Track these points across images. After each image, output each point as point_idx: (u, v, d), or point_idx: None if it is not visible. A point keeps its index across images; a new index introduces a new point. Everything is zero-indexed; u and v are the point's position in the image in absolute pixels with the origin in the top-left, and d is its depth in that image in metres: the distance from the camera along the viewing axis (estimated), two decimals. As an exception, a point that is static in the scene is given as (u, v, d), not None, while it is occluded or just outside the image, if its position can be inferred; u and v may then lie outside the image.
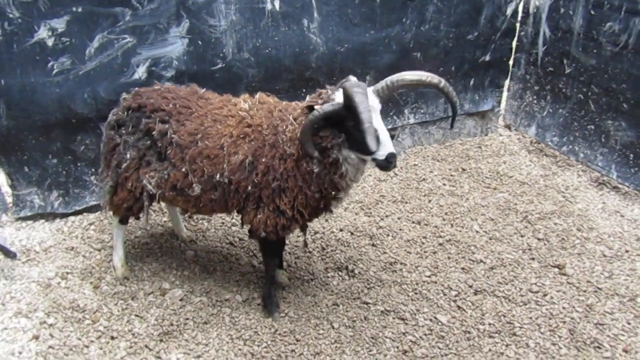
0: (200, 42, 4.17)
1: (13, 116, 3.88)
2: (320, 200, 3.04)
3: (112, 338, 3.34)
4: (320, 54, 4.67)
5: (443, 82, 2.82)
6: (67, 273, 3.84)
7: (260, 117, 3.04)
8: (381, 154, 2.72)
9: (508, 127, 6.17)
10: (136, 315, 3.50)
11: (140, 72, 4.08)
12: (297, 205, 3.01)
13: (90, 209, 4.45)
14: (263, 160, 2.96)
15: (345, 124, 2.75)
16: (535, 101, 5.67)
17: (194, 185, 3.13)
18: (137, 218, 3.61)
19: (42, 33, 3.72)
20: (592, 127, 5.07)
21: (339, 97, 2.76)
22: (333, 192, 3.00)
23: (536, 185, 5.09)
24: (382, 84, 2.80)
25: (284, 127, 2.95)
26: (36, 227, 4.31)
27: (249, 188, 3.03)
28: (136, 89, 3.45)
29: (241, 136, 3.02)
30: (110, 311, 3.53)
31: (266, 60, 4.46)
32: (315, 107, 2.77)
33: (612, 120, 4.84)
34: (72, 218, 4.42)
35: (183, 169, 3.15)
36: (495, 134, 6.07)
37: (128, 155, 3.32)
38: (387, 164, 2.73)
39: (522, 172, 5.33)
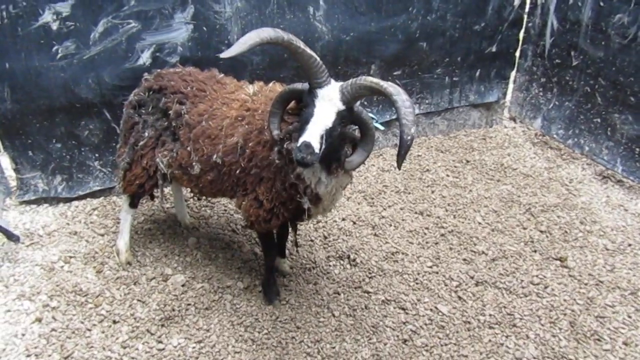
0: (205, 29, 4.15)
1: (17, 100, 3.88)
2: (288, 200, 2.97)
3: (114, 322, 3.36)
4: (326, 42, 4.64)
5: (399, 97, 2.45)
6: (70, 257, 3.86)
7: (260, 102, 3.04)
8: (299, 141, 2.53)
9: (513, 119, 6.14)
10: (138, 300, 3.52)
11: (145, 58, 4.07)
12: (273, 198, 2.97)
13: (94, 194, 4.47)
14: (250, 144, 2.95)
15: (302, 109, 2.69)
16: (541, 93, 5.63)
17: (194, 164, 3.16)
18: (152, 198, 3.79)
19: (47, 17, 3.71)
20: (598, 120, 5.03)
21: (332, 83, 2.68)
22: (297, 195, 2.92)
23: (540, 178, 5.07)
24: (348, 81, 2.61)
25: None
26: (40, 211, 4.33)
27: (237, 172, 3.03)
28: (158, 70, 3.51)
29: (239, 118, 3.03)
30: (113, 296, 3.55)
31: (270, 47, 4.44)
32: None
33: (618, 114, 4.80)
34: (75, 203, 4.43)
35: (188, 148, 3.20)
36: (500, 126, 6.04)
37: (146, 134, 3.41)
38: (297, 152, 2.51)
39: (526, 165, 5.31)
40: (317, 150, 2.52)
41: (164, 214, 4.37)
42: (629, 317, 3.48)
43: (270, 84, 3.23)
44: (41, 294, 3.53)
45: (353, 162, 2.82)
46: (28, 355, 3.10)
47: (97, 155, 4.34)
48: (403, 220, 4.44)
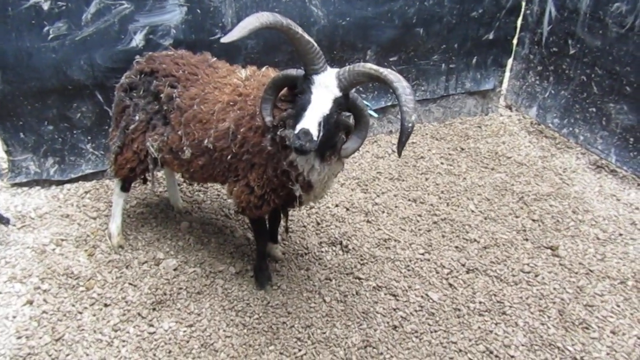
0: (199, 11, 4.10)
1: (8, 81, 3.84)
2: (280, 187, 2.97)
3: (106, 305, 3.37)
4: (322, 26, 4.59)
5: (400, 83, 2.43)
6: (62, 240, 3.85)
7: (252, 87, 3.01)
8: (297, 128, 2.51)
9: (509, 107, 6.12)
10: (130, 284, 3.53)
11: (138, 40, 4.02)
12: (264, 185, 2.96)
13: (86, 177, 4.45)
14: (242, 130, 2.93)
15: (297, 95, 2.67)
16: (537, 82, 5.61)
17: (185, 148, 3.15)
18: (144, 182, 3.77)
19: (38, -4, 3.65)
20: (594, 109, 5.03)
21: (329, 70, 2.65)
22: (289, 182, 2.91)
23: (534, 167, 5.07)
24: (345, 67, 2.58)
25: None
26: (32, 193, 4.31)
27: (229, 158, 3.01)
28: (150, 53, 3.47)
29: (231, 103, 3.00)
30: (104, 279, 3.55)
31: (265, 31, 4.36)
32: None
33: (614, 104, 4.79)
34: (67, 185, 4.41)
35: (179, 132, 3.18)
36: (495, 114, 6.02)
37: (137, 118, 3.38)
38: (295, 139, 2.49)
39: (521, 153, 5.31)
40: (315, 138, 2.51)
41: (157, 197, 4.36)
42: (618, 306, 3.51)
43: (263, 69, 3.20)
44: (32, 276, 3.53)
45: (347, 149, 2.81)
46: (19, 337, 3.11)
47: (89, 138, 4.31)
48: (396, 207, 4.44)
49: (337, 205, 4.41)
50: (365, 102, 2.78)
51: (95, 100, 4.15)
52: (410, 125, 2.44)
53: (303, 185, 2.94)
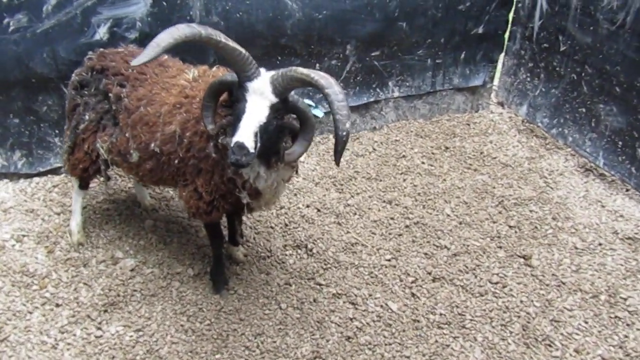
0: (165, 3, 3.97)
1: (-31, 73, 3.78)
2: (229, 193, 2.87)
3: (57, 305, 3.32)
4: (297, 20, 4.43)
5: (332, 89, 2.33)
6: (23, 236, 3.81)
7: (199, 89, 2.88)
8: (232, 141, 2.41)
9: (501, 104, 5.90)
10: (84, 284, 3.47)
11: (102, 33, 3.91)
12: (212, 191, 2.86)
13: (55, 171, 4.38)
14: (187, 134, 2.83)
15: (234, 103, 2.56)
16: (528, 79, 5.38)
17: (132, 151, 3.05)
18: (107, 179, 3.57)
19: (-4, -12, 3.56)
20: (583, 109, 4.80)
21: (263, 75, 2.52)
22: (236, 189, 2.81)
23: (519, 169, 4.88)
24: (279, 72, 2.46)
25: None
26: (-1, 186, 4.27)
27: (176, 162, 2.91)
28: (101, 49, 3.35)
29: (177, 106, 2.89)
30: (60, 278, 3.50)
31: (237, 25, 4.25)
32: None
33: (603, 104, 4.57)
34: (36, 179, 4.36)
35: (127, 134, 3.08)
36: (486, 111, 5.81)
37: (87, 117, 3.28)
38: (230, 154, 2.40)
39: (508, 154, 5.11)
40: (252, 150, 2.41)
41: (124, 193, 4.29)
42: (586, 322, 3.35)
43: (214, 68, 3.07)
44: (-13, 273, 3.50)
45: (294, 153, 2.70)
46: (-36, 338, 3.08)
47: (57, 131, 4.23)
48: (369, 209, 4.31)
49: (308, 206, 4.29)
50: (308, 101, 2.66)
51: (61, 94, 4.06)
52: (344, 134, 2.34)
53: (251, 193, 2.85)
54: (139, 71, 3.11)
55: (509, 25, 5.41)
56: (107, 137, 3.19)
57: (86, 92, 3.26)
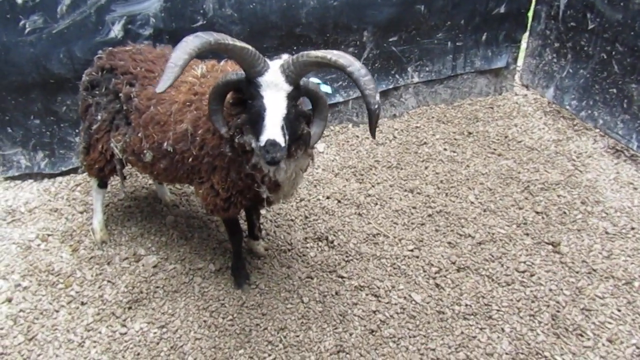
0: (177, -2, 3.95)
1: (-11, 77, 3.82)
2: (247, 189, 2.83)
3: (82, 304, 3.36)
4: (311, 8, 4.35)
5: (354, 67, 2.31)
6: (48, 235, 3.86)
7: (208, 85, 2.84)
8: (261, 140, 2.38)
9: (526, 86, 5.72)
10: (108, 281, 3.50)
11: (117, 31, 3.91)
12: (229, 187, 2.82)
13: (77, 170, 4.43)
14: (199, 132, 2.79)
15: (247, 101, 2.52)
16: (555, 60, 5.18)
17: (146, 151, 3.04)
18: (123, 177, 3.59)
19: (10, -10, 3.58)
20: (614, 90, 4.60)
21: (272, 66, 2.47)
22: (255, 185, 2.78)
23: (545, 152, 4.72)
24: (288, 59, 2.42)
25: None
26: (24, 187, 4.34)
27: (190, 160, 2.88)
28: (110, 48, 3.34)
29: (187, 103, 2.85)
30: (84, 276, 3.54)
31: (251, 16, 4.19)
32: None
33: (636, 84, 4.37)
34: (59, 178, 4.42)
35: (139, 134, 3.06)
36: (510, 94, 5.64)
37: (99, 117, 3.28)
38: (264, 153, 2.37)
39: (533, 137, 4.95)
40: (283, 144, 2.41)
41: (145, 190, 4.31)
42: (619, 310, 3.23)
43: (222, 63, 3.02)
44: (14, 273, 3.56)
45: (314, 135, 2.69)
46: (-6, 337, 3.15)
47: (77, 131, 4.26)
48: (390, 198, 4.23)
49: (328, 197, 4.24)
50: (314, 80, 2.61)
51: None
52: (376, 107, 2.34)
53: (270, 186, 2.81)
54: (147, 69, 3.08)
55: (533, 4, 5.21)
56: (121, 137, 3.19)
57: (97, 92, 3.25)
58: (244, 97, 2.53)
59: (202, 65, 3.01)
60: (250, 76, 2.41)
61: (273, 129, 2.38)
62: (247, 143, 2.58)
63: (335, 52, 2.35)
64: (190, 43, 2.24)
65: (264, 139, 2.38)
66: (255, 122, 2.46)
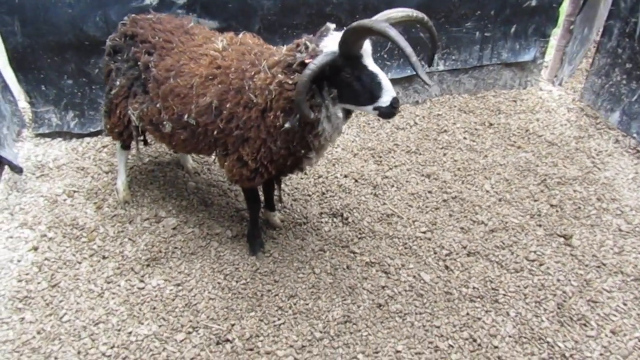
0: (213, -31, 4.02)
1: (27, 34, 3.95)
2: (287, 157, 2.90)
3: (104, 257, 3.51)
4: (342, -12, 4.39)
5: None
6: (74, 192, 4.01)
7: (232, 58, 2.90)
8: (385, 100, 2.57)
9: (551, 81, 5.69)
10: (129, 239, 3.64)
11: (152, -2, 4.01)
12: (260, 158, 2.88)
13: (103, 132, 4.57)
14: (227, 105, 2.85)
15: (341, 74, 2.58)
16: (624, 81, 4.87)
17: (165, 122, 3.11)
18: (145, 143, 3.76)
19: (53, -49, 3.69)
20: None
21: (328, 46, 2.55)
22: (303, 151, 2.85)
23: (565, 148, 4.73)
24: (362, 27, 2.45)
25: (253, 72, 2.79)
26: (53, 144, 4.49)
27: (215, 133, 2.95)
28: (133, 15, 3.41)
29: (210, 77, 2.91)
30: (107, 232, 3.69)
31: (283, -8, 4.25)
32: (307, 61, 2.54)
33: None
34: (87, 139, 4.57)
35: (157, 105, 3.13)
36: (534, 88, 5.63)
37: (118, 83, 3.36)
38: (391, 109, 2.59)
39: (555, 132, 4.95)
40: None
41: (168, 156, 4.43)
42: (625, 304, 3.27)
43: (240, 35, 3.07)
44: (41, 224, 3.72)
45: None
46: (19, 280, 3.31)
47: (106, 93, 4.40)
48: (407, 181, 4.29)
49: (346, 176, 4.32)
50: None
51: (112, 57, 4.20)
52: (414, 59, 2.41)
53: (318, 149, 2.93)
54: (165, 39, 3.14)
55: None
56: (138, 105, 3.24)
57: (119, 58, 3.32)
58: (344, 73, 2.57)
59: (221, 38, 3.06)
60: (356, 50, 2.51)
61: (390, 87, 2.57)
62: (327, 115, 2.70)
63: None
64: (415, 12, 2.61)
65: (388, 98, 2.57)
66: (365, 89, 2.59)
